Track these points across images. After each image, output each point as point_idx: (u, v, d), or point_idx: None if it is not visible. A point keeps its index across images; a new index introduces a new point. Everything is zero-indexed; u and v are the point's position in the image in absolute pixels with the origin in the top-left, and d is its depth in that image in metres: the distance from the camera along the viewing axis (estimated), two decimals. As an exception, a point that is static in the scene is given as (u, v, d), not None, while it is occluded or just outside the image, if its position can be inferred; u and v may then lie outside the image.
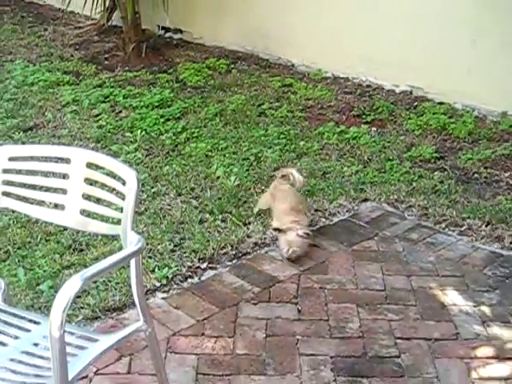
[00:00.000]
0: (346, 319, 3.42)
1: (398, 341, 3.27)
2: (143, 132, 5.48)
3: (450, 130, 5.52)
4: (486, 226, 4.22)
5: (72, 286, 1.94)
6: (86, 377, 2.97)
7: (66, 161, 2.44)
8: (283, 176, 4.25)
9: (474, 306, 3.52)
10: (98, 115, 5.85)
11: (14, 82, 6.54)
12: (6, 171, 2.52)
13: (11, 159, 2.51)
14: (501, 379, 3.05)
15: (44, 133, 5.50)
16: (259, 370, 3.08)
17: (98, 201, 2.40)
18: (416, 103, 6.05)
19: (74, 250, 3.96)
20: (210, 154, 5.13)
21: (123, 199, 2.29)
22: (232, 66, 6.99)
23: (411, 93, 6.25)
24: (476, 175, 4.88)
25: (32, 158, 2.54)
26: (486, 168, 4.96)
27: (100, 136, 5.41)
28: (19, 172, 2.53)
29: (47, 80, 6.55)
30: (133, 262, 2.27)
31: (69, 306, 1.93)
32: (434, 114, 5.79)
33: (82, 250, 3.95)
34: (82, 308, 3.43)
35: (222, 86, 6.45)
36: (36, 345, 2.35)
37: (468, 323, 3.40)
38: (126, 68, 6.94)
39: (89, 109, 5.96)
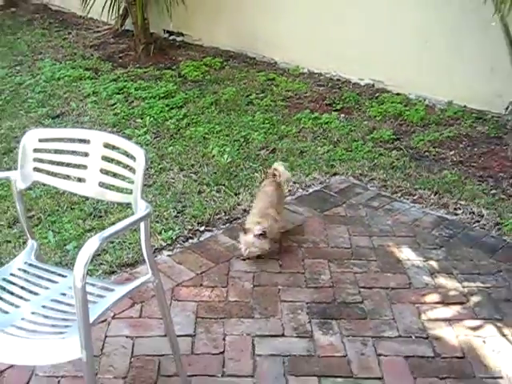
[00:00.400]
0: (318, 272, 3.42)
1: (362, 289, 3.28)
2: (151, 118, 5.43)
3: (405, 116, 5.50)
4: (435, 195, 4.22)
5: (92, 244, 1.93)
6: (104, 320, 2.97)
7: (87, 141, 2.42)
8: (272, 174, 3.85)
9: (424, 261, 3.53)
10: (113, 104, 5.79)
11: (43, 77, 6.46)
12: (36, 150, 2.50)
13: (41, 140, 2.49)
14: (445, 320, 3.07)
15: (69, 119, 5.46)
16: (248, 314, 3.09)
17: (114, 175, 2.38)
18: (377, 94, 6.01)
19: (94, 216, 3.95)
20: (206, 136, 5.10)
21: (134, 173, 2.27)
22: (225, 63, 6.92)
23: (373, 85, 6.22)
24: (426, 153, 4.88)
25: (58, 140, 2.52)
26: (434, 147, 4.96)
27: (115, 122, 5.37)
28: (48, 151, 2.51)
29: (71, 75, 6.48)
30: (142, 225, 2.26)
31: (89, 261, 1.92)
32: (391, 102, 5.77)
33: (101, 217, 3.94)
34: (101, 264, 3.42)
35: (217, 80, 6.39)
36: (63, 294, 2.35)
37: (419, 275, 3.41)
38: (137, 65, 6.86)
39: (106, 99, 5.91)
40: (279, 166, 3.88)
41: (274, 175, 3.81)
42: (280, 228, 3.65)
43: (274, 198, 3.71)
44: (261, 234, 3.42)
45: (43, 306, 2.27)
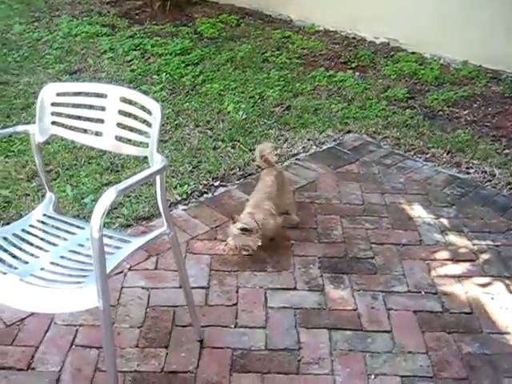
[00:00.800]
0: (331, 228, 3.43)
1: (373, 245, 3.29)
2: (167, 75, 5.40)
3: (420, 75, 5.45)
4: (447, 154, 4.20)
5: (108, 196, 1.94)
6: (121, 272, 3.00)
7: (104, 96, 2.41)
8: (264, 159, 3.42)
9: (435, 218, 3.52)
10: (130, 61, 5.76)
11: (60, 33, 6.42)
12: (54, 104, 2.49)
13: (58, 94, 2.48)
14: (454, 277, 3.07)
15: (86, 75, 5.43)
16: (260, 267, 3.11)
17: (130, 129, 2.38)
18: (392, 53, 5.94)
19: (111, 170, 3.96)
20: (222, 93, 5.07)
21: (150, 127, 2.27)
22: (241, 20, 6.85)
23: (389, 44, 6.14)
24: (440, 112, 4.84)
25: (76, 94, 2.51)
26: (448, 107, 4.91)
27: (132, 78, 5.35)
28: (65, 105, 2.51)
29: (88, 32, 6.44)
30: (158, 178, 2.26)
31: (106, 212, 1.92)
32: (406, 61, 5.71)
33: (117, 171, 3.95)
34: (117, 217, 3.44)
35: (233, 37, 6.34)
36: (81, 245, 2.37)
37: (430, 232, 3.41)
38: (154, 22, 6.80)
39: (123, 55, 5.87)
40: (264, 147, 3.45)
41: (266, 160, 3.41)
42: (278, 224, 3.26)
43: (272, 189, 3.30)
44: (245, 229, 3.08)
45: (62, 257, 2.29)
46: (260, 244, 3.13)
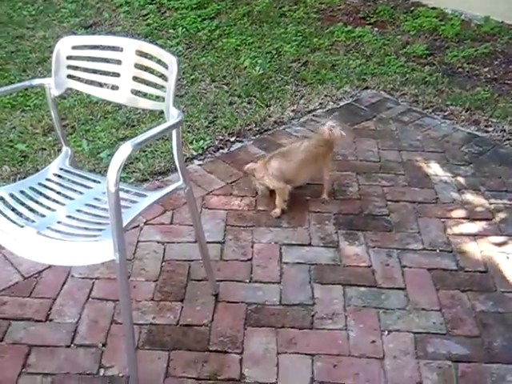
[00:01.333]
0: (346, 184, 3.42)
1: (389, 203, 3.28)
2: (184, 29, 5.35)
3: (440, 31, 5.36)
4: (466, 111, 4.14)
5: (124, 150, 1.93)
6: (137, 226, 3.02)
7: (120, 49, 2.39)
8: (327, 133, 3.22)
9: (452, 177, 3.50)
10: (146, 15, 5.71)
11: (76, -14, 6.37)
12: (70, 58, 2.47)
13: (74, 47, 2.46)
14: (470, 235, 3.06)
15: (102, 29, 5.39)
16: (276, 223, 3.12)
17: (146, 83, 2.36)
18: (412, 8, 5.84)
19: (127, 125, 3.95)
20: (238, 48, 5.02)
21: (166, 81, 2.25)
22: (258, -26, 6.75)
23: (409, -1, 6.04)
24: (460, 69, 4.76)
25: (91, 47, 2.49)
26: (468, 64, 4.84)
27: (148, 32, 5.30)
28: (81, 58, 2.49)
29: (104, -16, 6.38)
30: (174, 132, 2.25)
31: (122, 166, 1.92)
32: (427, 17, 5.61)
33: (133, 126, 3.94)
34: (133, 172, 3.45)
35: (250, -9, 6.25)
36: (97, 199, 2.37)
37: (446, 190, 3.39)
38: (170, -25, 6.71)
39: (138, 9, 5.81)
40: (335, 129, 3.21)
41: (333, 134, 3.21)
42: (277, 187, 3.16)
43: (299, 156, 3.15)
44: (246, 172, 3.26)
45: (78, 210, 2.30)
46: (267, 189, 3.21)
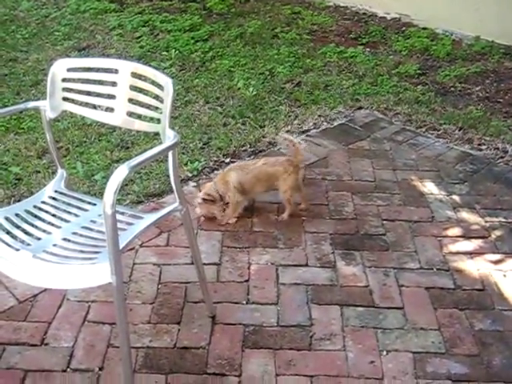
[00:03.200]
0: (342, 204, 3.42)
1: (385, 222, 3.28)
2: (177, 51, 5.38)
3: (432, 51, 5.41)
4: (459, 130, 4.17)
5: (121, 172, 1.93)
6: (132, 248, 3.01)
7: (115, 71, 2.39)
8: (293, 143, 3.35)
9: (447, 195, 3.51)
10: (139, 37, 5.74)
11: (69, 10, 6.41)
12: (65, 80, 2.47)
13: (69, 70, 2.46)
14: (466, 253, 3.06)
15: (95, 52, 5.41)
16: (272, 244, 3.11)
17: (141, 104, 2.36)
18: (404, 28, 5.90)
19: (121, 147, 3.95)
20: (232, 69, 5.05)
21: (161, 102, 2.25)
22: (250, -4, 6.82)
23: (400, 19, 6.09)
24: (452, 89, 4.80)
25: (86, 69, 2.49)
26: (460, 83, 4.87)
27: (141, 54, 5.33)
28: (76, 81, 2.49)
29: (96, 8, 6.41)
30: (170, 154, 2.25)
31: (119, 188, 1.91)
32: (418, 37, 5.66)
33: (128, 148, 3.94)
34: (128, 194, 3.44)
35: (242, 13, 6.30)
36: (93, 221, 2.36)
37: (441, 209, 3.39)
38: (162, -2, 6.77)
39: (131, 32, 5.85)
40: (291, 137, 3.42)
41: (295, 147, 3.32)
42: (237, 201, 3.25)
43: (256, 171, 3.25)
44: (206, 199, 3.21)
45: (74, 233, 2.29)
46: (236, 216, 3.25)
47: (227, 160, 3.79)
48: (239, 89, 4.68)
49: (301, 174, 3.32)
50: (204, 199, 3.20)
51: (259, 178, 3.27)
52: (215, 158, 3.80)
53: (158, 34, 5.78)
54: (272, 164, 3.29)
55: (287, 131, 4.10)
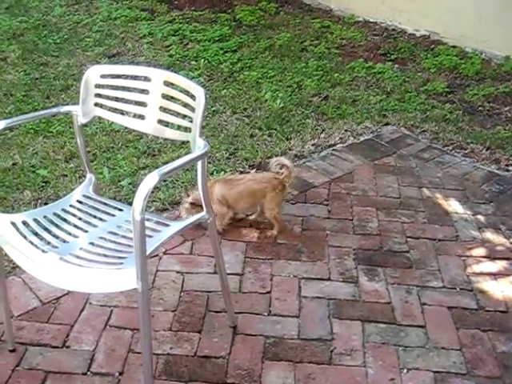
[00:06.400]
0: (366, 219, 3.41)
1: (409, 239, 3.26)
2: (206, 61, 5.41)
3: (461, 70, 5.37)
4: (487, 150, 4.14)
5: (151, 179, 1.95)
6: (156, 256, 3.03)
7: (147, 79, 2.42)
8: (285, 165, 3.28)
9: (472, 215, 3.48)
10: (168, 46, 5.78)
11: (100, 17, 6.46)
12: (98, 86, 2.51)
13: (102, 76, 2.50)
14: (490, 274, 3.04)
15: (125, 59, 5.46)
16: (295, 256, 3.11)
17: (172, 113, 2.39)
18: (433, 46, 5.87)
19: (148, 154, 3.98)
20: (260, 80, 5.06)
21: (193, 111, 2.27)
22: (280, 8, 6.81)
23: (429, 37, 6.06)
24: (480, 108, 4.77)
25: (119, 76, 2.52)
26: (488, 102, 4.84)
27: (170, 63, 5.36)
28: (109, 87, 2.52)
29: (128, 16, 6.47)
30: (199, 163, 2.26)
31: (148, 195, 1.94)
32: (447, 55, 5.63)
33: (154, 155, 3.97)
34: (154, 201, 3.46)
35: (272, 26, 6.31)
36: (119, 227, 2.38)
37: (466, 228, 3.37)
38: (193, 8, 6.79)
39: (161, 40, 5.89)
40: (285, 161, 3.30)
41: (287, 170, 3.26)
42: (221, 213, 3.20)
43: (241, 187, 3.23)
44: (193, 203, 3.14)
45: (101, 237, 2.31)
46: (223, 228, 3.22)
47: (253, 171, 3.80)
48: (266, 100, 4.70)
49: (285, 193, 3.35)
50: (192, 203, 3.15)
51: (243, 194, 3.23)
52: (241, 169, 3.82)
53: (187, 44, 5.82)
54: (259, 181, 3.27)
55: (313, 144, 4.10)
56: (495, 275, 3.03)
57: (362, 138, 4.27)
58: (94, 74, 2.48)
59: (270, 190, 3.22)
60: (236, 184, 3.24)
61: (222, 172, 3.74)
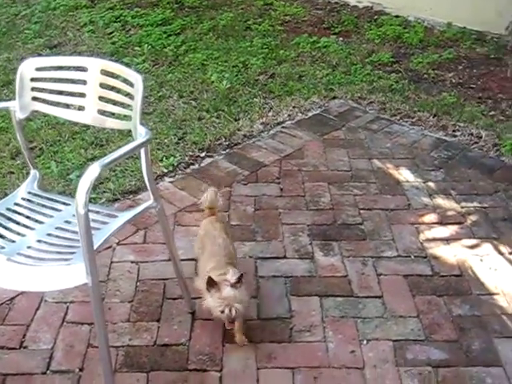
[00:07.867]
0: (319, 195, 3.42)
1: (361, 211, 3.29)
2: (149, 46, 5.33)
3: (404, 39, 5.40)
4: (433, 117, 4.18)
5: (92, 171, 1.92)
6: (109, 247, 2.99)
7: (84, 69, 2.36)
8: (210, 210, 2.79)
9: (423, 182, 3.52)
10: (111, 33, 5.67)
11: (39, 7, 6.29)
12: (34, 80, 2.44)
13: (38, 69, 2.43)
14: (443, 240, 3.08)
15: (67, 49, 5.34)
16: (250, 237, 3.10)
17: (113, 102, 2.34)
18: (376, 17, 5.88)
19: (95, 145, 3.91)
20: (205, 62, 5.01)
21: (132, 99, 2.23)
22: (222, -12, 6.77)
23: (372, 8, 6.07)
24: (425, 76, 4.81)
25: (55, 68, 2.46)
26: (433, 70, 4.88)
27: (114, 50, 5.27)
28: (45, 80, 2.46)
29: (67, 4, 6.31)
30: (142, 151, 2.23)
31: (91, 188, 1.91)
32: (390, 25, 5.65)
33: (102, 145, 3.90)
34: (104, 192, 3.41)
35: (214, 6, 6.24)
36: (67, 222, 2.34)
37: (418, 196, 3.41)
38: (133, -8, 6.69)
39: (103, 28, 5.78)
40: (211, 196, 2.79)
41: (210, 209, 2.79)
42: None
43: (222, 238, 2.65)
44: (239, 280, 2.39)
45: (48, 234, 2.27)
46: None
47: (202, 154, 3.77)
48: (213, 82, 4.65)
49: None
50: (239, 279, 2.40)
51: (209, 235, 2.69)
52: (191, 153, 3.78)
53: (129, 30, 5.73)
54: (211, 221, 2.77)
55: (262, 123, 4.08)
56: (448, 240, 3.08)
57: (310, 114, 4.26)
58: (28, 68, 2.42)
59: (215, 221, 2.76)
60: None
61: (172, 157, 3.69)
